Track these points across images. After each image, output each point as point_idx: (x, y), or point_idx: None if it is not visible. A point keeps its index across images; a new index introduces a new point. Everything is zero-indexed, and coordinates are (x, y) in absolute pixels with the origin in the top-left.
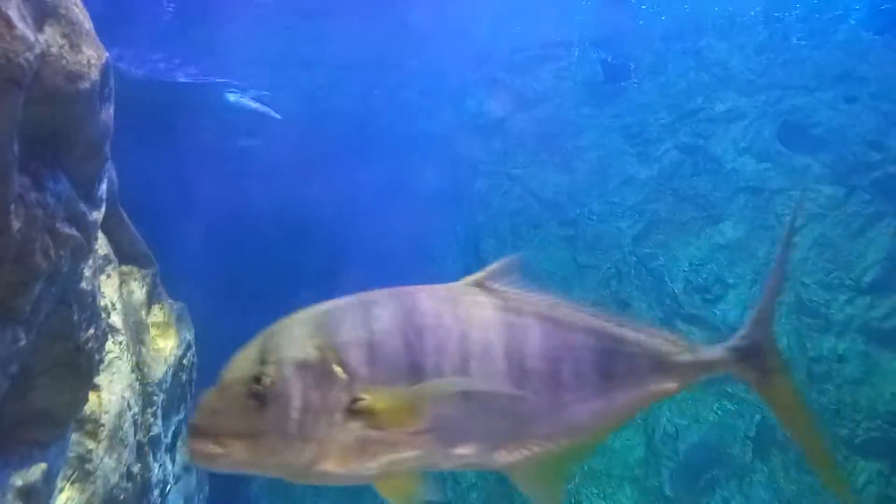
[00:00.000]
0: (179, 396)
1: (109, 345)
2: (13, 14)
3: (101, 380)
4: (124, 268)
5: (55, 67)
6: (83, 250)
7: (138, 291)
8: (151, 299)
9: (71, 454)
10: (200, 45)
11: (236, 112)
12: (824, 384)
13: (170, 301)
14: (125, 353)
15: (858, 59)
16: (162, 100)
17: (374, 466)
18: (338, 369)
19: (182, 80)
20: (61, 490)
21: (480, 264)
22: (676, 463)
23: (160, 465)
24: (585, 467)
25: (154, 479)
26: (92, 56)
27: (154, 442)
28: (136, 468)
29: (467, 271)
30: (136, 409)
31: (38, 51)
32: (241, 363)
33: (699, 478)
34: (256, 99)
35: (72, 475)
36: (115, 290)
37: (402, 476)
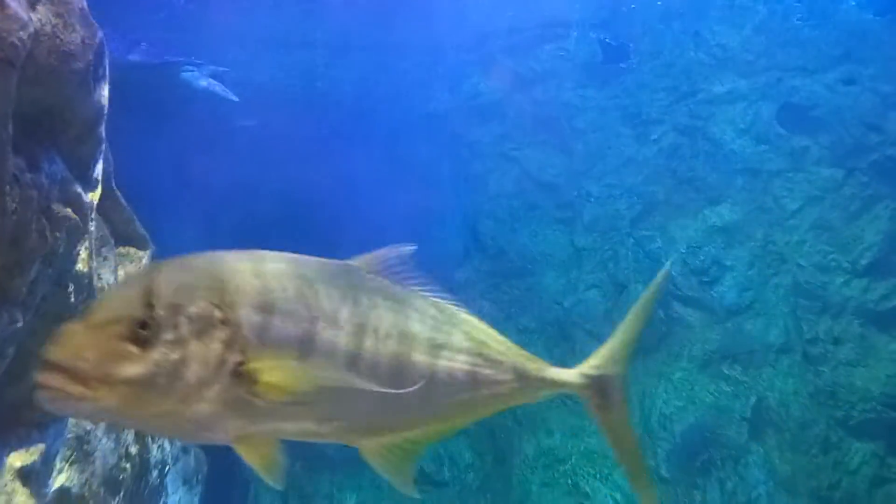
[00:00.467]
0: None
1: None
2: None
3: None
4: (121, 249)
5: (49, 47)
6: (79, 231)
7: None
8: None
9: (69, 435)
10: (193, 26)
11: (193, 92)
12: (820, 366)
13: None
14: None
15: (858, 41)
16: (114, 80)
17: (246, 430)
18: (232, 328)
19: (133, 59)
20: (60, 471)
21: (479, 246)
22: (672, 444)
23: (158, 447)
24: (582, 448)
25: (153, 460)
26: (86, 35)
27: None
28: (134, 449)
29: (466, 254)
30: None
31: (31, 30)
32: (122, 302)
33: (695, 459)
34: (214, 76)
35: (70, 456)
36: (111, 271)
37: (265, 441)
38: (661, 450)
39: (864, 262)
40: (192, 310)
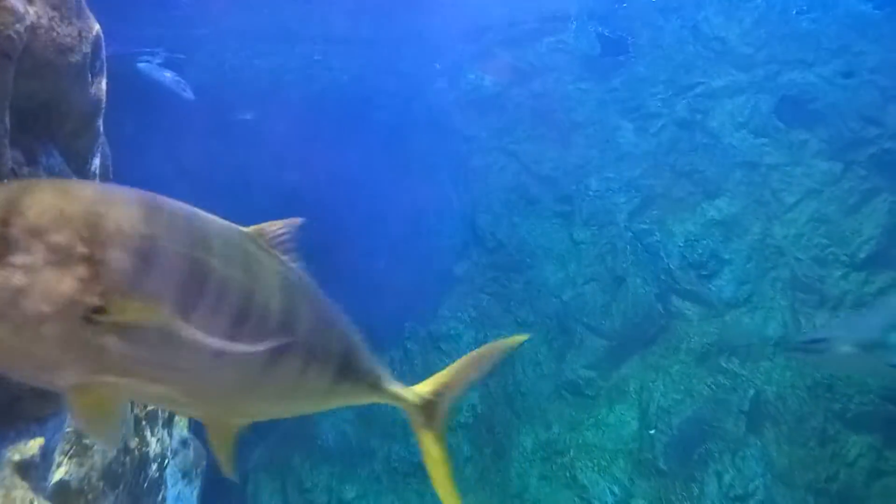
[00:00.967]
0: None
1: None
2: None
3: None
4: None
5: (45, 40)
6: None
7: None
8: None
9: (68, 429)
10: (192, 20)
11: (147, 83)
12: None
13: None
14: None
15: (857, 34)
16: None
17: (87, 379)
18: (95, 268)
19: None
20: (59, 464)
21: (477, 240)
22: (670, 437)
23: (158, 440)
24: (580, 441)
25: (152, 454)
26: (83, 28)
27: (151, 417)
28: (133, 443)
29: (465, 247)
30: None
31: (28, 23)
32: None
33: (692, 452)
34: (170, 63)
35: (69, 450)
36: None
37: (105, 396)
38: (659, 442)
39: (862, 255)
40: (54, 238)
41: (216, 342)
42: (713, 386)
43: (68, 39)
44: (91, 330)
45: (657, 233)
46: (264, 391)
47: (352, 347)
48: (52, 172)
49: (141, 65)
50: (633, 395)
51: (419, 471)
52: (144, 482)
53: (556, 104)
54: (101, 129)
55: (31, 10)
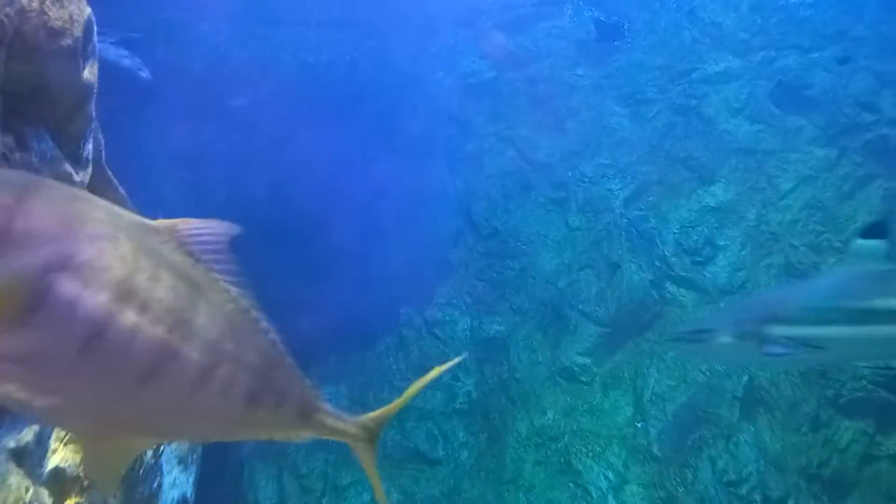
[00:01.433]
0: None
1: None
2: None
3: None
4: None
5: (36, 23)
6: None
7: None
8: None
9: None
10: (183, 3)
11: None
12: None
13: None
14: None
15: (853, 19)
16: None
17: None
18: None
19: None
20: (54, 451)
21: (472, 227)
22: (664, 423)
23: None
24: (575, 427)
25: None
26: (74, 12)
27: None
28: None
29: (459, 234)
30: None
31: (18, 6)
32: None
33: (687, 438)
34: (125, 43)
35: (65, 436)
36: None
37: None
38: (654, 429)
39: None
40: None
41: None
42: (707, 372)
43: (59, 23)
44: None
45: (652, 219)
46: (145, 403)
47: (272, 365)
48: (43, 157)
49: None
50: (628, 382)
51: (414, 457)
52: (140, 469)
53: (551, 89)
54: (94, 114)
55: None
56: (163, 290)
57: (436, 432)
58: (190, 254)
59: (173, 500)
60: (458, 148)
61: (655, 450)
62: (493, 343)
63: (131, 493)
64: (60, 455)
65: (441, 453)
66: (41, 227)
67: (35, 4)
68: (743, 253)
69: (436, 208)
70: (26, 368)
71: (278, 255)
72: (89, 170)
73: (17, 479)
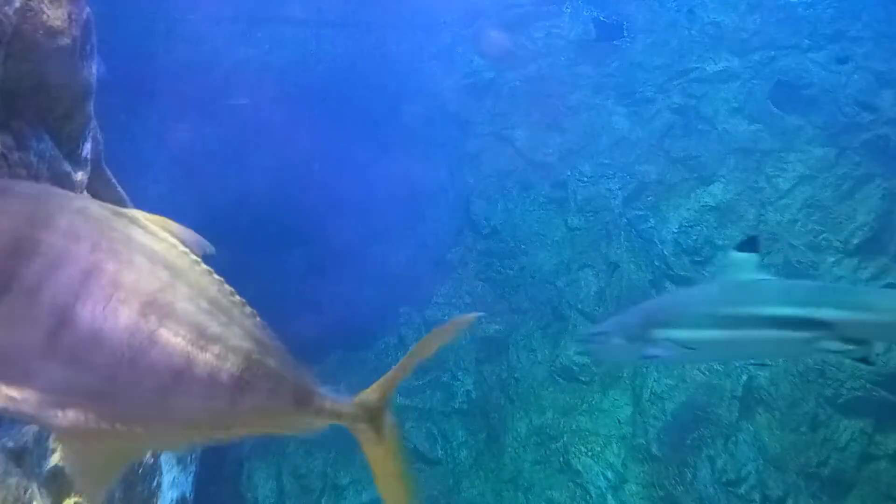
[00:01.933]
0: None
1: None
2: None
3: None
4: None
5: (35, 23)
6: None
7: None
8: None
9: None
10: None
11: None
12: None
13: None
14: None
15: (852, 18)
16: None
17: None
18: None
19: None
20: (54, 451)
21: (472, 226)
22: (664, 423)
23: None
24: (574, 426)
25: None
26: (73, 11)
27: None
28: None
29: (459, 233)
30: None
31: (17, 5)
32: None
33: (686, 437)
34: None
35: None
36: None
37: None
38: (653, 428)
39: (855, 241)
40: None
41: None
42: (706, 372)
43: (58, 22)
44: None
45: (651, 219)
46: (123, 395)
47: (262, 349)
48: (42, 157)
49: None
50: (627, 381)
51: (413, 456)
52: (139, 468)
53: (550, 89)
54: (92, 113)
55: None
56: (135, 272)
57: (434, 432)
58: (169, 240)
59: (172, 499)
60: (458, 148)
61: (654, 449)
62: (493, 342)
63: (130, 492)
64: (59, 455)
65: (440, 453)
66: (5, 219)
67: (34, 4)
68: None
69: (435, 208)
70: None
71: (277, 254)
72: (88, 169)
73: (16, 479)
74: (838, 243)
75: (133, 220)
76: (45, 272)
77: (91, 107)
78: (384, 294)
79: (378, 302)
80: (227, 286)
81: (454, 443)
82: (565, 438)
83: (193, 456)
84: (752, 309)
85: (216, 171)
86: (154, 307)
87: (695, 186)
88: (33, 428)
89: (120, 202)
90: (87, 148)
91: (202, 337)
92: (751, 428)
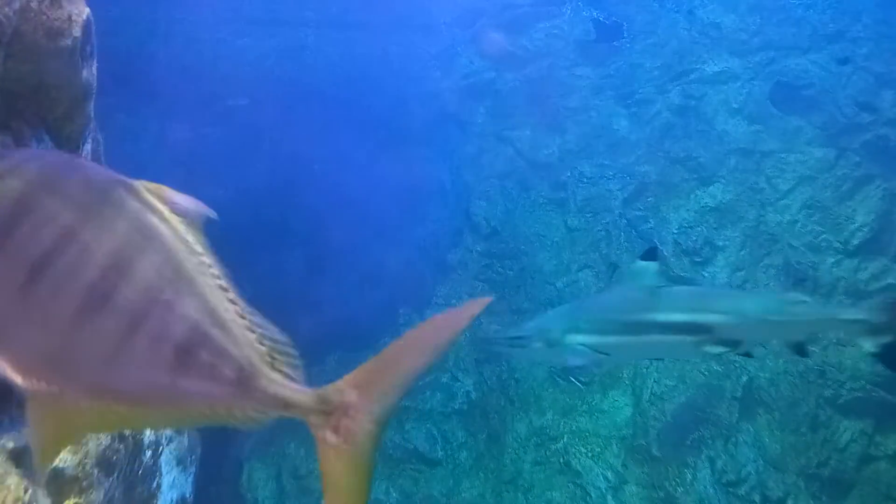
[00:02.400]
0: None
1: None
2: None
3: None
4: None
5: (35, 23)
6: None
7: None
8: None
9: None
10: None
11: None
12: (810, 345)
13: None
14: None
15: (852, 19)
16: None
17: None
18: None
19: None
20: None
21: (472, 227)
22: (664, 423)
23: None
24: (574, 427)
25: (146, 441)
26: (73, 12)
27: None
28: (127, 430)
29: (458, 234)
30: None
31: (17, 6)
32: None
33: (686, 438)
34: None
35: None
36: None
37: None
38: (653, 429)
39: (855, 242)
40: None
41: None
42: (706, 372)
43: (58, 23)
44: None
45: (651, 219)
46: (76, 349)
47: (215, 322)
48: None
49: None
50: (627, 382)
51: (413, 457)
52: (139, 469)
53: (550, 90)
54: (92, 114)
55: None
56: (110, 237)
57: (435, 432)
58: (161, 209)
59: (172, 500)
60: (458, 148)
61: (654, 450)
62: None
63: (130, 493)
64: (59, 456)
65: (440, 453)
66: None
67: (34, 4)
68: (742, 253)
69: (435, 208)
70: None
71: (277, 254)
72: None
73: (15, 479)
74: (838, 244)
75: (129, 188)
76: (30, 232)
77: (91, 108)
78: (384, 294)
79: (378, 302)
80: (206, 258)
81: (454, 444)
82: (565, 439)
83: (193, 457)
84: (648, 315)
85: (216, 172)
86: (114, 270)
87: (695, 187)
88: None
89: None
90: (87, 149)
91: (154, 303)
92: (751, 429)
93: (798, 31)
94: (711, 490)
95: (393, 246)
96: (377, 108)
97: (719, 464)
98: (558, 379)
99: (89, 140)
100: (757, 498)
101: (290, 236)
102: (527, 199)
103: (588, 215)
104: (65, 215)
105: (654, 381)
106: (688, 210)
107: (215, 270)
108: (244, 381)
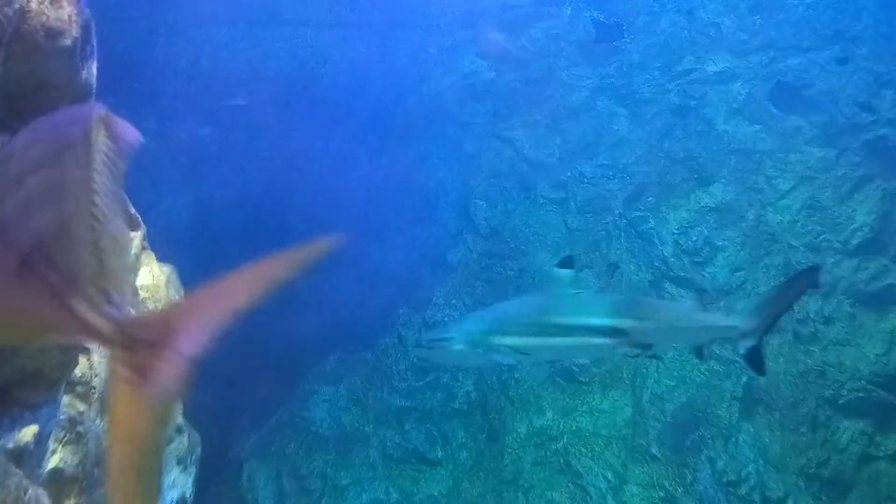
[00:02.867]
0: None
1: None
2: None
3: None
4: None
5: (35, 24)
6: None
7: None
8: (139, 262)
9: (62, 416)
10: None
11: None
12: (810, 345)
13: (159, 263)
14: None
15: (852, 19)
16: None
17: None
18: None
19: None
20: (54, 452)
21: (472, 227)
22: (664, 423)
23: None
24: (574, 427)
25: None
26: (72, 12)
27: None
28: None
29: (459, 234)
30: None
31: (17, 6)
32: None
33: (686, 438)
34: None
35: (64, 437)
36: None
37: None
38: (653, 429)
39: (855, 242)
40: None
41: None
42: (706, 372)
43: (58, 23)
44: None
45: (651, 220)
46: None
47: (63, 236)
48: None
49: None
50: (627, 382)
51: (413, 457)
52: None
53: (550, 90)
54: None
55: None
56: (31, 155)
57: (435, 433)
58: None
59: (172, 500)
60: (458, 148)
61: (654, 450)
62: None
63: None
64: (59, 455)
65: (440, 454)
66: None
67: (34, 5)
68: (742, 253)
69: (435, 209)
70: None
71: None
72: None
73: (16, 479)
74: (838, 244)
75: (86, 124)
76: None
77: None
78: (384, 294)
79: (378, 302)
80: (97, 176)
81: (454, 444)
82: (565, 439)
83: (193, 457)
84: (567, 319)
85: (216, 172)
86: (12, 182)
87: (695, 187)
88: (33, 428)
89: (119, 203)
90: None
91: (21, 211)
92: (751, 429)
93: (798, 31)
94: (711, 490)
95: (393, 246)
96: (377, 109)
97: (719, 464)
98: (558, 379)
99: None
100: (757, 498)
101: (290, 237)
102: (527, 199)
103: (588, 215)
104: (29, 147)
105: (655, 381)
106: (688, 210)
107: (97, 186)
108: (58, 297)
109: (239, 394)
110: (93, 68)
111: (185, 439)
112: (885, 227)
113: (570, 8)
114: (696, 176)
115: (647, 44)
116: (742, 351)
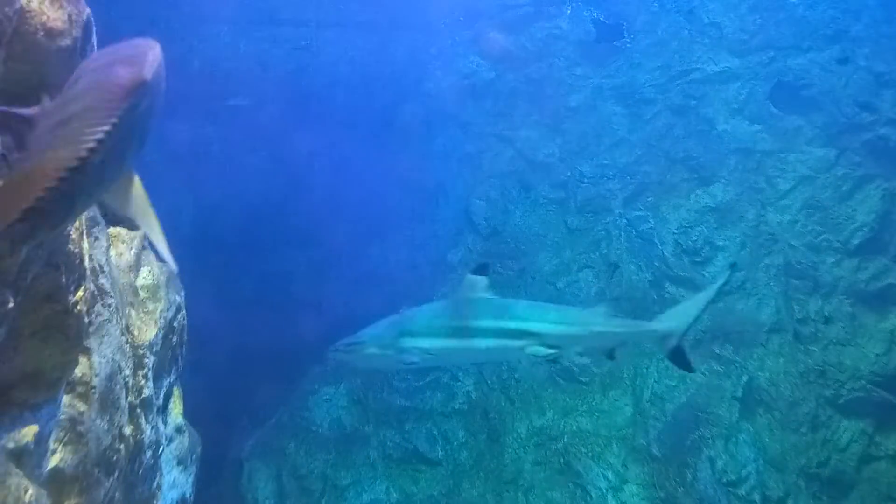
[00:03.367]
0: (170, 359)
1: (99, 308)
2: None
3: (91, 343)
4: (112, 230)
5: (35, 24)
6: None
7: (126, 254)
8: (140, 262)
9: (62, 416)
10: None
11: None
12: (810, 345)
13: (159, 263)
14: (115, 315)
15: (852, 19)
16: None
17: None
18: None
19: None
20: (54, 452)
21: (472, 227)
22: (664, 423)
23: (152, 427)
24: (574, 427)
25: (146, 441)
26: (73, 12)
27: (146, 404)
28: (128, 430)
29: (459, 234)
30: (127, 372)
31: (17, 6)
32: None
33: (686, 438)
34: None
35: (64, 437)
36: (102, 252)
37: None
38: (653, 429)
39: (855, 241)
40: None
41: None
42: (707, 372)
43: (59, 23)
44: None
45: (651, 219)
46: None
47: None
48: None
49: None
50: (627, 382)
51: (413, 457)
52: (139, 469)
53: (550, 90)
54: None
55: None
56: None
57: (435, 432)
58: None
59: (173, 500)
60: (458, 148)
61: (655, 450)
62: None
63: (130, 494)
64: (59, 455)
65: (440, 453)
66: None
67: (34, 4)
68: (742, 253)
69: (435, 208)
70: None
71: (278, 255)
72: None
73: (16, 479)
74: (838, 244)
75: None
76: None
77: None
78: (384, 294)
79: (378, 302)
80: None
81: (454, 444)
82: (566, 439)
83: (193, 457)
84: (479, 322)
85: (217, 172)
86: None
87: (695, 187)
88: (33, 428)
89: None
90: None
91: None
92: (751, 428)
93: (798, 31)
94: (712, 490)
95: (393, 245)
96: (378, 108)
97: (720, 464)
98: (559, 379)
99: None
100: (757, 498)
101: (291, 237)
102: (527, 199)
103: (588, 215)
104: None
105: (655, 381)
106: (688, 210)
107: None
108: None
109: (239, 394)
110: None
111: (185, 439)
112: (885, 226)
113: (570, 8)
114: (696, 176)
115: (647, 44)
116: (665, 352)
